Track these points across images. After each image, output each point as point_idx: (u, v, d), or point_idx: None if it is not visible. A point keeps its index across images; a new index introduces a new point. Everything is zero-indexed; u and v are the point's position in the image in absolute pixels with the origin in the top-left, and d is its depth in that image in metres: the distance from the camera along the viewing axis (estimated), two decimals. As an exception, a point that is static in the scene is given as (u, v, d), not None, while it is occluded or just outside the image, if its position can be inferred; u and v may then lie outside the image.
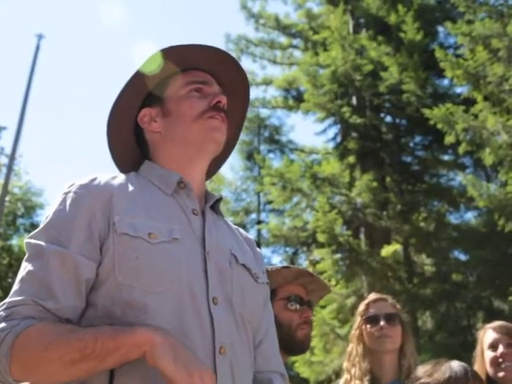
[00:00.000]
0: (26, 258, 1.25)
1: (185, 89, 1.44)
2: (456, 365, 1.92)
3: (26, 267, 1.23)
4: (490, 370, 2.38)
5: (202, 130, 1.40)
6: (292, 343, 2.07)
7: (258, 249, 1.57)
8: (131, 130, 1.49)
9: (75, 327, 1.17)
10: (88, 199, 1.28)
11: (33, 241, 1.25)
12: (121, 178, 1.38)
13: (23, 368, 1.14)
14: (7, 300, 1.19)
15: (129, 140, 1.50)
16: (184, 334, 1.19)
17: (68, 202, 1.28)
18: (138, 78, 1.43)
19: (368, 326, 2.45)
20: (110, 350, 1.10)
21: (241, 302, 1.34)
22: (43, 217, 1.33)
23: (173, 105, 1.43)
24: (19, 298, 1.18)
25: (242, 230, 1.57)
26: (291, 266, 2.19)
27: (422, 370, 1.97)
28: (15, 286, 1.21)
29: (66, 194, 1.30)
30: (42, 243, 1.23)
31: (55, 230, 1.25)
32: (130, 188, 1.34)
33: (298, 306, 2.12)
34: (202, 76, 1.47)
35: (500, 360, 2.36)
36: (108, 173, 1.40)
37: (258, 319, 1.41)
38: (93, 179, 1.33)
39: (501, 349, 2.36)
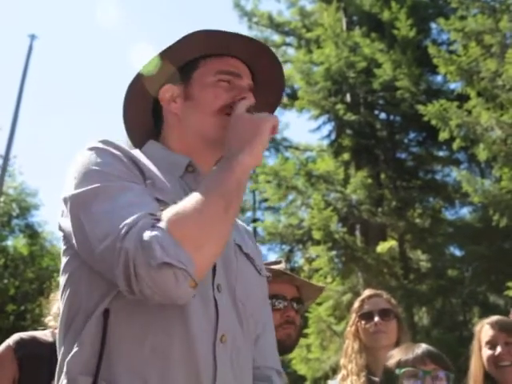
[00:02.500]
0: (101, 197, 1.10)
1: (214, 76, 1.34)
2: (412, 349, 1.88)
3: (117, 198, 1.09)
4: (489, 368, 2.36)
5: (220, 126, 1.30)
6: None
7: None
8: (150, 104, 1.43)
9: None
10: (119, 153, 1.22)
11: (103, 184, 1.13)
12: (136, 152, 1.31)
13: (192, 241, 1.03)
14: (126, 222, 1.04)
15: (145, 114, 1.43)
16: (188, 319, 1.14)
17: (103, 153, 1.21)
18: (170, 52, 1.33)
19: (363, 322, 2.46)
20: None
21: (244, 293, 1.30)
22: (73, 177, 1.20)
23: (197, 89, 1.34)
24: (134, 216, 1.05)
25: (239, 221, 1.50)
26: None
27: (390, 353, 1.98)
28: (121, 211, 1.06)
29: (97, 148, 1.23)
30: (121, 182, 1.14)
31: (110, 175, 1.16)
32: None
33: (280, 306, 2.09)
34: (234, 66, 1.37)
35: (499, 360, 2.33)
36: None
37: (259, 313, 1.36)
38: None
39: (499, 349, 2.32)
